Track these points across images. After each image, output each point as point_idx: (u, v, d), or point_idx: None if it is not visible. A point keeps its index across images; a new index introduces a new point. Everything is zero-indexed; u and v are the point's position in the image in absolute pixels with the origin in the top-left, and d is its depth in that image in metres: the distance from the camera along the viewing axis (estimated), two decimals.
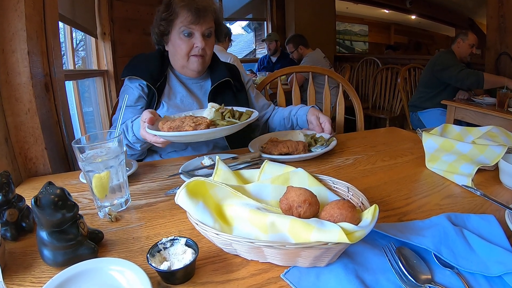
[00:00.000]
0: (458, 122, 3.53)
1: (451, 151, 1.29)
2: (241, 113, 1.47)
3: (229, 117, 1.42)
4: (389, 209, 1.02)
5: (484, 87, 3.73)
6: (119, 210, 1.12)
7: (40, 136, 1.54)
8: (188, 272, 0.76)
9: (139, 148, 1.59)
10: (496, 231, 0.85)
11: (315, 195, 0.83)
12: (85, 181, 1.31)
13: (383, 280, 0.71)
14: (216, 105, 1.50)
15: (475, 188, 1.10)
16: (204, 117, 1.37)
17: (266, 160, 1.07)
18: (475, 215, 0.93)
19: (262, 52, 8.29)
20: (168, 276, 0.75)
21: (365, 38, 10.13)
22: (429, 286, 0.69)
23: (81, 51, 3.96)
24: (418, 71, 4.72)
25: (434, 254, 0.77)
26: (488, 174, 1.25)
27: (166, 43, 1.84)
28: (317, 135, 1.65)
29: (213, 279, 0.75)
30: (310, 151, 1.50)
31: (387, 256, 0.77)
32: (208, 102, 1.74)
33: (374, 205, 0.76)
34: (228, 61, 3.69)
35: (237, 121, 1.38)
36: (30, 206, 0.86)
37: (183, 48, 1.74)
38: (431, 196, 1.11)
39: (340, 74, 5.52)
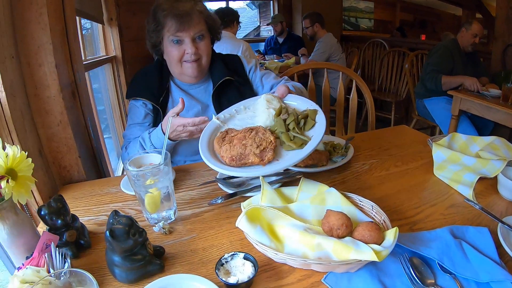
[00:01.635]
0: (463, 113, 3.66)
1: (457, 163, 1.48)
2: (305, 116, 1.38)
3: (293, 127, 1.32)
4: (402, 218, 1.22)
5: (443, 89, 3.85)
6: (169, 221, 1.26)
7: (73, 146, 1.59)
8: (249, 283, 0.94)
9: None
10: (488, 243, 1.05)
11: (349, 218, 1.04)
12: (127, 192, 1.44)
13: (398, 283, 0.93)
14: (273, 101, 1.45)
15: (475, 202, 1.29)
16: (265, 133, 1.27)
17: (302, 177, 1.29)
18: (472, 227, 1.12)
19: (266, 29, 8.21)
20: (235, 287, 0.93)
21: (370, 15, 9.94)
22: None
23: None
24: (426, 57, 4.71)
25: (438, 263, 0.98)
26: (488, 183, 1.40)
27: (162, 53, 1.82)
28: (335, 142, 1.80)
29: (268, 285, 0.95)
30: (331, 160, 1.65)
31: (401, 264, 0.98)
32: (213, 104, 1.83)
33: (395, 228, 0.97)
34: (240, 49, 3.65)
35: (306, 138, 1.28)
36: (82, 224, 1.07)
37: (174, 55, 1.72)
38: (437, 206, 1.29)
39: (347, 57, 5.61)
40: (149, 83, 1.83)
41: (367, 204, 1.16)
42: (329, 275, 0.97)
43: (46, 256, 0.68)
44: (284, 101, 1.51)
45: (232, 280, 0.92)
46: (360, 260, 0.88)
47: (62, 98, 1.51)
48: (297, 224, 1.05)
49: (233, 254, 1.00)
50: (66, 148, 1.59)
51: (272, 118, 1.37)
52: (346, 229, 1.00)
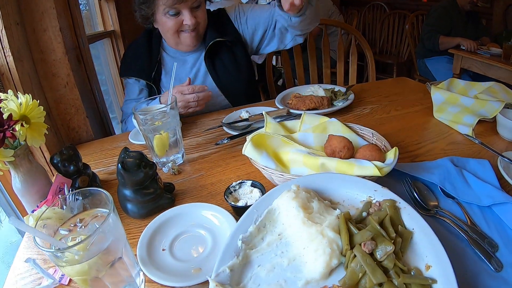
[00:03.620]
0: (464, 71, 3.66)
1: (456, 104, 1.50)
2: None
3: None
4: (403, 152, 1.26)
5: (441, 48, 3.87)
6: (178, 164, 1.31)
7: (81, 106, 1.63)
8: None
9: None
10: (489, 173, 1.08)
11: (351, 141, 1.06)
12: (136, 142, 1.47)
13: None
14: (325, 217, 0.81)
15: (474, 137, 1.32)
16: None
17: (304, 112, 1.29)
18: (473, 159, 1.16)
19: None
20: (243, 211, 0.92)
21: None
22: (436, 211, 0.93)
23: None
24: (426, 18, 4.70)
25: (440, 187, 1.02)
26: (487, 125, 1.43)
27: (153, 23, 1.75)
28: (336, 89, 1.81)
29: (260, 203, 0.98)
30: (332, 104, 1.69)
31: (405, 188, 1.02)
32: (207, 68, 1.80)
33: (395, 148, 1.00)
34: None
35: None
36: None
37: (171, 27, 1.67)
38: (437, 142, 1.33)
39: (347, 21, 5.54)
40: (139, 59, 1.81)
41: (367, 132, 1.19)
42: None
43: (60, 198, 0.71)
44: (321, 191, 0.89)
45: (241, 203, 0.97)
46: (364, 177, 0.90)
47: (68, 60, 1.54)
48: (301, 149, 1.08)
49: (241, 182, 1.04)
50: (74, 109, 1.62)
51: (338, 254, 0.72)
52: (348, 151, 1.03)
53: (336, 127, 1.19)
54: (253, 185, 1.03)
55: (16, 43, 1.34)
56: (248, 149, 1.07)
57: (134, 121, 1.37)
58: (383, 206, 0.76)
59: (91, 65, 1.88)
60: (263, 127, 1.23)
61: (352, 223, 0.74)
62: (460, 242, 0.85)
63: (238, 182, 1.04)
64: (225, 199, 0.98)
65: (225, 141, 1.37)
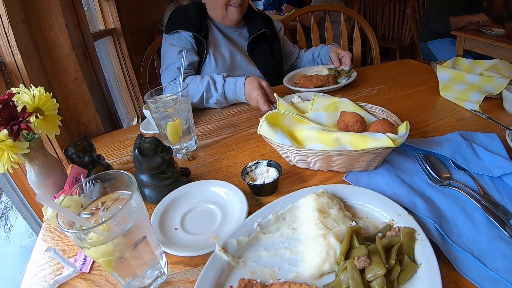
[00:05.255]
0: (467, 52, 3.62)
1: (461, 81, 1.51)
2: (396, 249, 0.70)
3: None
4: (412, 129, 1.26)
5: (452, 29, 3.77)
6: (192, 150, 1.32)
7: (90, 101, 1.64)
8: (275, 185, 1.00)
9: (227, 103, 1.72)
10: (498, 146, 1.09)
11: (363, 116, 1.08)
12: (147, 132, 1.49)
13: (416, 179, 0.98)
14: (331, 210, 0.83)
15: (482, 112, 1.33)
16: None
17: (315, 93, 1.30)
18: (481, 133, 1.17)
19: None
20: (261, 189, 0.99)
21: None
22: (449, 182, 0.94)
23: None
24: (427, 0, 4.63)
25: (451, 160, 1.03)
26: (493, 102, 1.43)
27: None
28: (339, 69, 1.89)
29: (293, 188, 1.00)
30: (337, 82, 1.76)
31: (417, 162, 1.04)
32: (248, 52, 1.92)
33: (406, 121, 1.01)
34: None
35: None
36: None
37: (221, 0, 1.79)
38: (445, 119, 1.34)
39: (348, 6, 5.52)
40: (190, 18, 1.87)
41: (377, 109, 1.20)
42: (349, 174, 1.03)
43: (77, 186, 0.71)
44: (347, 202, 0.91)
45: (258, 182, 0.98)
46: (378, 149, 0.92)
47: (75, 56, 1.55)
48: (315, 126, 1.09)
49: (257, 163, 1.05)
50: (83, 104, 1.64)
51: (333, 260, 0.73)
52: (361, 125, 1.05)
53: (347, 105, 1.20)
54: (269, 165, 1.04)
55: (23, 41, 1.35)
56: (263, 128, 1.09)
57: (146, 111, 1.39)
58: (401, 232, 0.75)
59: (97, 61, 1.89)
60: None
61: (359, 238, 0.75)
62: (474, 210, 0.85)
63: (254, 162, 1.06)
64: (242, 179, 1.00)
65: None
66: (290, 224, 0.85)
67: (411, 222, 0.77)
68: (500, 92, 1.39)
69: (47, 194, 1.08)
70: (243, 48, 1.97)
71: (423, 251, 0.70)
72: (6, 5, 1.28)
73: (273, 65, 2.05)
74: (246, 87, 1.58)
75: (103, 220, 0.62)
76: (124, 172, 0.72)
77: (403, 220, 0.79)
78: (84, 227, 0.64)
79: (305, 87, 1.72)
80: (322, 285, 0.69)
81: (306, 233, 0.80)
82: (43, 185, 1.07)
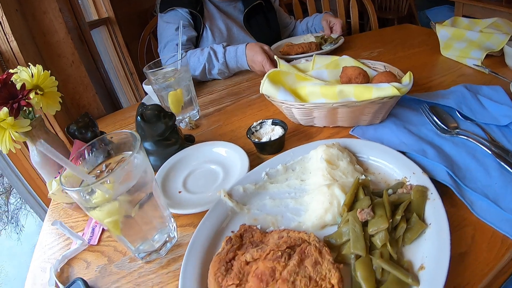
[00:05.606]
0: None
1: (462, 39, 1.48)
2: (403, 207, 0.68)
3: (384, 243, 0.62)
4: (416, 85, 1.24)
5: None
6: (195, 119, 1.33)
7: (89, 83, 1.65)
8: (281, 142, 1.00)
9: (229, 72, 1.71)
10: (502, 97, 1.08)
11: (365, 70, 1.06)
12: None
13: (424, 130, 0.96)
14: (339, 162, 0.83)
15: (484, 67, 1.31)
16: (320, 260, 0.58)
17: (315, 54, 1.28)
18: (485, 86, 1.15)
19: None
20: (267, 146, 0.98)
21: None
22: (458, 131, 0.93)
23: None
24: None
25: (457, 111, 1.02)
26: (495, 59, 1.41)
27: None
28: (326, 36, 1.88)
29: (299, 145, 0.98)
30: (321, 48, 1.75)
31: (424, 113, 1.02)
32: (244, 24, 1.91)
33: (409, 72, 0.99)
34: None
35: (408, 279, 0.58)
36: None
37: None
38: (448, 76, 1.32)
39: None
40: None
41: (379, 65, 1.19)
42: (356, 129, 1.02)
43: (79, 158, 0.71)
44: (359, 157, 0.89)
45: (264, 139, 0.98)
46: (383, 98, 0.90)
47: (71, 40, 1.56)
48: (317, 82, 1.08)
49: (261, 122, 1.05)
50: (83, 87, 1.65)
51: (336, 211, 0.72)
52: (364, 78, 1.04)
53: (348, 61, 1.19)
54: (274, 123, 1.04)
55: (18, 29, 1.36)
56: (265, 87, 1.07)
57: (147, 87, 1.40)
58: (412, 190, 0.71)
59: (93, 45, 1.89)
60: None
61: (366, 191, 0.72)
62: (485, 157, 0.84)
63: (259, 122, 1.05)
64: (248, 137, 1.00)
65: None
66: (299, 175, 0.84)
67: (425, 181, 0.73)
68: (502, 49, 1.37)
69: (52, 172, 1.07)
70: (239, 21, 1.97)
71: (434, 211, 0.66)
72: None
73: (271, 36, 2.04)
74: (248, 53, 1.57)
75: (107, 175, 0.62)
76: (126, 130, 0.71)
77: (416, 178, 0.75)
78: (89, 183, 0.63)
79: (288, 54, 1.72)
80: (323, 236, 0.68)
81: (313, 184, 0.79)
82: (47, 163, 1.06)
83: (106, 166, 0.72)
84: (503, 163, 0.81)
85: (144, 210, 0.70)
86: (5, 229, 3.64)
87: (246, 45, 1.59)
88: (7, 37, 1.32)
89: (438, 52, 1.54)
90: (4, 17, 1.30)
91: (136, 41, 2.43)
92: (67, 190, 0.60)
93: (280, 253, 0.59)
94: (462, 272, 0.61)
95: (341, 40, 1.80)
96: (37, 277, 0.85)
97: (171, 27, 1.78)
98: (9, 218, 3.75)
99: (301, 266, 0.57)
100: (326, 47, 1.75)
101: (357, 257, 0.61)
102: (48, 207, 1.10)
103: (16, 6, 1.39)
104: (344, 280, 0.56)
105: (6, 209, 3.79)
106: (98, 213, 0.63)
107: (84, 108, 1.67)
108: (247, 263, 0.61)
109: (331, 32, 1.94)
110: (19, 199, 3.86)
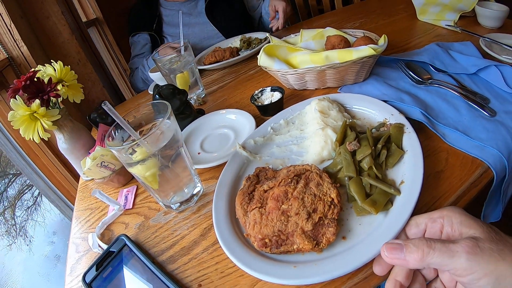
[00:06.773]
0: None
1: (435, 3, 1.61)
2: (385, 139, 0.83)
3: (370, 166, 0.77)
4: (394, 47, 1.41)
5: None
6: (202, 97, 1.47)
7: (96, 78, 1.75)
8: (280, 103, 1.15)
9: None
10: (472, 50, 1.23)
11: (347, 38, 1.23)
12: None
13: (401, 82, 1.11)
14: (331, 111, 0.98)
15: (456, 26, 1.45)
16: (321, 181, 0.74)
17: (302, 29, 1.43)
18: (457, 43, 1.29)
19: None
20: (268, 108, 1.13)
21: None
22: (431, 81, 1.08)
23: None
24: None
25: (430, 65, 1.16)
26: (469, 19, 1.53)
27: None
28: (253, 38, 1.90)
29: (296, 102, 1.13)
30: (238, 54, 1.79)
31: (400, 70, 1.17)
32: (209, 19, 1.95)
33: (383, 35, 1.14)
34: None
35: (392, 190, 0.71)
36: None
37: None
38: (424, 37, 1.46)
39: None
40: (140, 17, 1.98)
41: (358, 32, 1.33)
42: (343, 88, 1.17)
43: (106, 138, 0.83)
44: (347, 107, 1.04)
45: (266, 102, 1.14)
46: (362, 58, 1.06)
47: (76, 39, 1.66)
48: (306, 51, 1.22)
49: (262, 90, 1.20)
50: (91, 83, 1.75)
51: (330, 147, 0.88)
52: (345, 43, 1.20)
53: (331, 32, 1.34)
54: (273, 90, 1.19)
55: (25, 35, 1.45)
56: (262, 59, 1.23)
57: (153, 74, 1.52)
58: (391, 126, 0.86)
59: (93, 44, 2.01)
60: None
61: (353, 130, 0.88)
62: (455, 99, 0.98)
63: (260, 90, 1.21)
64: (252, 103, 1.16)
65: None
66: (299, 126, 1.02)
67: (402, 119, 0.88)
68: (473, 10, 1.49)
69: (79, 156, 1.19)
70: (201, 17, 2.01)
71: (409, 141, 0.81)
72: (4, 3, 1.38)
73: (238, 25, 2.06)
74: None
75: (148, 134, 0.75)
76: (158, 101, 0.85)
77: (394, 118, 0.90)
78: (133, 140, 0.78)
79: (203, 64, 1.76)
80: (322, 168, 0.83)
81: (311, 132, 0.95)
82: (75, 148, 1.19)
83: (140, 133, 0.85)
84: (471, 103, 0.95)
85: (176, 164, 0.84)
86: (15, 243, 3.73)
87: None
88: (17, 43, 1.42)
89: (416, 18, 1.67)
90: (12, 25, 1.39)
91: (126, 39, 2.52)
92: (113, 149, 0.74)
93: (290, 180, 0.76)
94: (439, 185, 0.76)
95: (267, 40, 1.75)
96: (79, 246, 0.96)
97: (136, 44, 2.01)
98: (18, 231, 3.84)
99: (307, 187, 0.73)
100: (243, 53, 1.77)
101: (350, 178, 0.78)
102: (67, 200, 1.19)
103: (20, 13, 1.48)
104: (340, 195, 0.73)
105: (14, 223, 3.89)
106: (140, 167, 0.78)
107: (94, 102, 1.78)
108: (265, 191, 0.77)
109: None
110: (24, 211, 3.98)
